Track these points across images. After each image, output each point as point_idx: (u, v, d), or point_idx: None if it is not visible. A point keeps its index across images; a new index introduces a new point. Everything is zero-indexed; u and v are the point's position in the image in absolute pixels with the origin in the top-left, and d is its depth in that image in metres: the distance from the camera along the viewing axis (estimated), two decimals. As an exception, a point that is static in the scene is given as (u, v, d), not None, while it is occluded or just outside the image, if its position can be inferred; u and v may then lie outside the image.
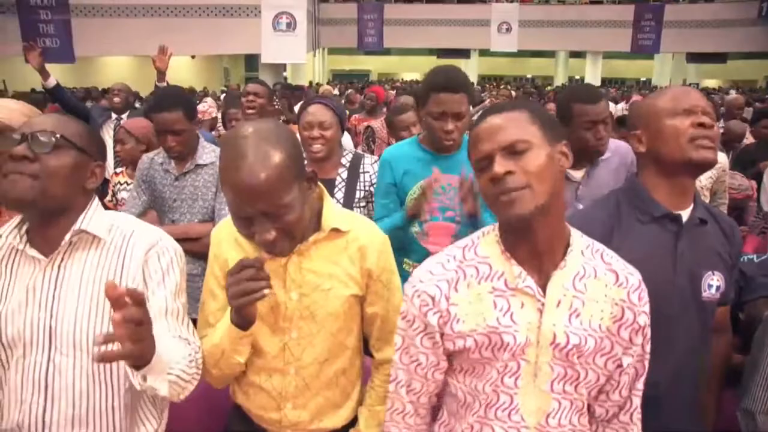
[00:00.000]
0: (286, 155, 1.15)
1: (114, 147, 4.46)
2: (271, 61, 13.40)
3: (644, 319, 1.18)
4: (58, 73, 4.65)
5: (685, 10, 19.43)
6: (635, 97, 8.91)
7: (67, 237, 1.23)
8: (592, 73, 21.98)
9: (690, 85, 16.85)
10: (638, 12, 18.28)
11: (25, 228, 1.26)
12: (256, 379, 1.39)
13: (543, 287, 1.12)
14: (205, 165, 2.42)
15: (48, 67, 4.48)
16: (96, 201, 1.31)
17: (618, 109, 9.72)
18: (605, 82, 24.16)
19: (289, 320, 1.34)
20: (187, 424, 1.63)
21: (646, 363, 1.22)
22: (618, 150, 2.29)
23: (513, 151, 1.07)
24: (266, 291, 1.16)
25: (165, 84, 4.27)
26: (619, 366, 1.18)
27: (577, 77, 26.64)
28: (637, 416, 1.24)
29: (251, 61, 21.57)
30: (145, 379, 1.10)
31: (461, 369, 1.19)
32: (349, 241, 1.35)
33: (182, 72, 17.51)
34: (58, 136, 1.19)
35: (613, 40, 19.70)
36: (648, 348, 1.21)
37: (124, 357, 0.99)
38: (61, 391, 1.21)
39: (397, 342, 1.24)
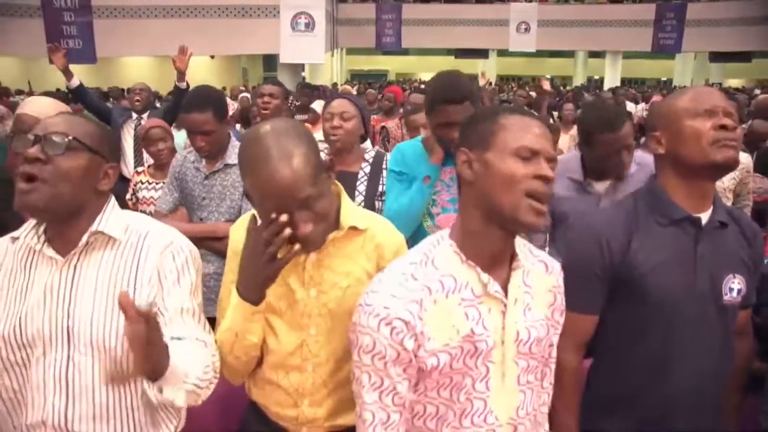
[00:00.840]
0: (306, 146, 1.19)
1: (135, 146, 4.54)
2: (290, 61, 13.46)
3: (563, 298, 1.28)
4: (80, 74, 4.72)
5: (707, 8, 19.11)
6: (656, 98, 8.78)
7: (84, 238, 1.23)
8: (612, 74, 21.75)
9: (713, 85, 16.60)
10: (660, 11, 18.03)
11: (42, 228, 1.27)
12: (273, 377, 1.40)
13: (503, 288, 1.15)
14: (234, 165, 2.42)
15: (71, 67, 4.55)
16: (113, 202, 1.32)
17: (638, 109, 9.61)
18: (625, 82, 23.87)
19: (307, 317, 1.35)
20: (203, 423, 1.65)
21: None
22: (644, 162, 2.25)
23: (551, 165, 1.10)
24: (296, 247, 1.20)
25: (185, 84, 4.32)
26: (551, 345, 1.27)
27: (596, 77, 26.40)
28: (549, 383, 1.33)
29: (269, 61, 21.68)
30: (161, 390, 1.11)
31: (435, 386, 1.16)
32: (367, 239, 1.37)
33: (201, 72, 17.66)
34: (70, 138, 1.19)
35: (634, 40, 19.46)
36: (562, 320, 1.29)
37: (134, 375, 1.02)
38: (81, 389, 1.22)
39: (363, 381, 1.15)
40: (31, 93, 11.18)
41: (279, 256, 1.20)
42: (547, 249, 2.50)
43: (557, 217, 2.31)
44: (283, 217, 1.17)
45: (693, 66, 23.53)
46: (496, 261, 1.16)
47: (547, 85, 6.52)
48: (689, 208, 1.42)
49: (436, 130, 2.06)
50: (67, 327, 1.22)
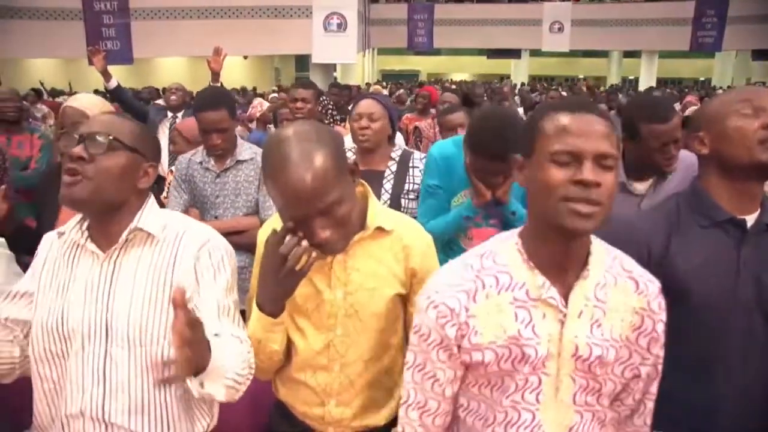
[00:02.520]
0: (328, 152, 1.18)
1: (169, 145, 4.62)
2: (322, 62, 13.53)
3: (662, 328, 1.16)
4: (116, 74, 4.83)
5: (750, 4, 18.50)
6: (689, 98, 8.57)
7: (124, 235, 1.27)
8: (648, 73, 21.31)
9: (755, 84, 16.13)
10: (699, 8, 17.52)
11: (86, 224, 1.32)
12: (300, 376, 1.40)
13: (565, 297, 1.08)
14: (245, 161, 2.51)
15: (108, 68, 4.66)
16: (152, 200, 1.36)
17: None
18: (661, 82, 23.38)
19: (334, 318, 1.35)
20: (231, 421, 1.66)
21: (660, 368, 1.19)
22: (686, 161, 2.11)
23: (602, 163, 1.01)
24: (313, 254, 1.19)
25: (219, 84, 4.37)
26: (637, 375, 1.15)
27: (631, 77, 25.93)
28: (649, 420, 1.23)
29: (302, 61, 21.83)
30: (202, 385, 1.13)
31: (476, 383, 1.14)
32: (394, 240, 1.36)
33: (234, 72, 17.88)
34: (111, 138, 1.25)
35: (671, 39, 18.99)
36: (662, 353, 1.18)
37: (182, 377, 1.07)
38: (118, 382, 1.25)
39: (409, 359, 1.17)
40: (71, 93, 11.47)
41: (297, 268, 1.20)
42: None
43: None
44: (289, 224, 1.18)
45: (733, 65, 22.92)
46: (562, 266, 1.09)
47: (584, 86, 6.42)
48: (734, 209, 1.38)
49: (475, 172, 1.99)
50: (106, 321, 1.25)
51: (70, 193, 1.22)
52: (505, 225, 2.08)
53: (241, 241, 2.21)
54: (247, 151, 2.53)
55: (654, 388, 1.21)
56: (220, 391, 1.16)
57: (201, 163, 2.55)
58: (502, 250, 1.14)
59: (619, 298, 1.12)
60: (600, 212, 1.01)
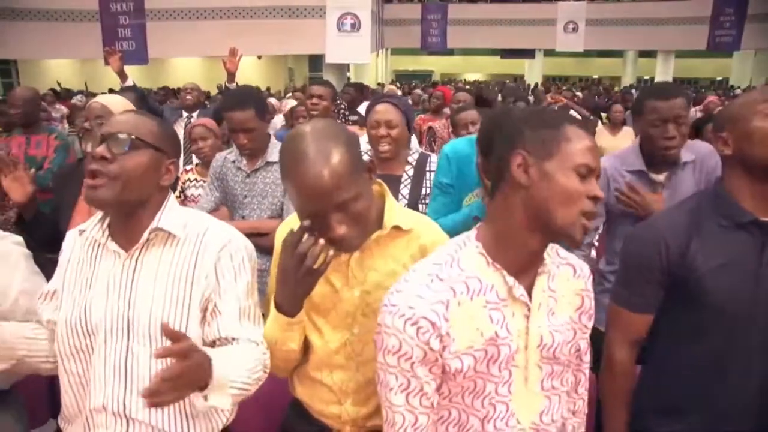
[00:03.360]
0: (345, 149, 1.18)
1: (184, 144, 4.64)
2: (336, 62, 13.56)
3: (591, 302, 1.25)
4: (131, 74, 4.86)
5: (769, 2, 18.27)
6: (711, 98, 8.47)
7: (145, 234, 1.29)
8: (663, 73, 21.09)
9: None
10: (717, 6, 17.27)
11: (107, 222, 1.33)
12: (317, 375, 1.41)
13: (528, 293, 1.14)
14: (275, 163, 2.46)
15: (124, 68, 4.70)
16: (172, 198, 1.37)
17: (692, 111, 9.30)
18: (677, 82, 23.13)
19: (351, 317, 1.35)
20: (246, 418, 1.66)
21: (588, 339, 1.29)
22: (701, 152, 2.15)
23: (598, 176, 1.10)
24: (330, 252, 1.20)
25: (235, 84, 4.39)
26: (578, 350, 1.24)
27: (647, 77, 25.72)
28: (584, 389, 1.32)
29: (315, 61, 21.89)
30: (206, 398, 1.14)
31: (449, 393, 1.15)
32: (411, 239, 1.36)
33: (248, 72, 17.97)
34: (133, 137, 1.26)
35: (688, 38, 18.76)
36: (590, 324, 1.27)
37: (179, 398, 1.09)
38: (138, 378, 1.27)
39: (391, 383, 1.12)
40: (87, 93, 11.59)
41: (314, 266, 1.20)
42: (593, 251, 2.42)
43: (618, 212, 2.17)
44: (306, 223, 1.19)
45: (752, 64, 22.63)
46: (525, 265, 1.14)
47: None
48: (757, 211, 1.36)
49: (486, 173, 1.99)
50: (127, 318, 1.27)
51: (94, 194, 1.24)
52: None
53: (263, 243, 2.21)
54: (278, 152, 2.50)
55: (588, 357, 1.29)
56: (225, 401, 1.17)
57: (234, 162, 2.55)
58: (464, 256, 1.14)
59: (564, 285, 1.20)
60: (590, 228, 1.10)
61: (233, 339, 1.29)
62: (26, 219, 2.18)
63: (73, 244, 1.38)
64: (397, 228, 1.33)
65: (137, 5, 9.57)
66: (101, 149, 1.24)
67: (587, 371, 1.31)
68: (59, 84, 13.38)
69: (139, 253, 1.30)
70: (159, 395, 1.03)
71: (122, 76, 4.59)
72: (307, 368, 1.42)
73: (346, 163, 1.17)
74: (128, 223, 1.30)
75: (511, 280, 1.12)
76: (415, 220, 1.39)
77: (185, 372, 1.05)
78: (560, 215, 1.06)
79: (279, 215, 2.46)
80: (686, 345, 1.44)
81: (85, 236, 1.34)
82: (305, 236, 1.20)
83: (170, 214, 1.33)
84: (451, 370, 1.10)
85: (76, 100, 10.64)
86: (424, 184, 2.40)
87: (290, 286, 1.24)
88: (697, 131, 3.73)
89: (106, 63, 4.70)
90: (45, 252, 1.84)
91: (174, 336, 1.05)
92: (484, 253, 1.13)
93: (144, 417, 1.27)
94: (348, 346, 1.37)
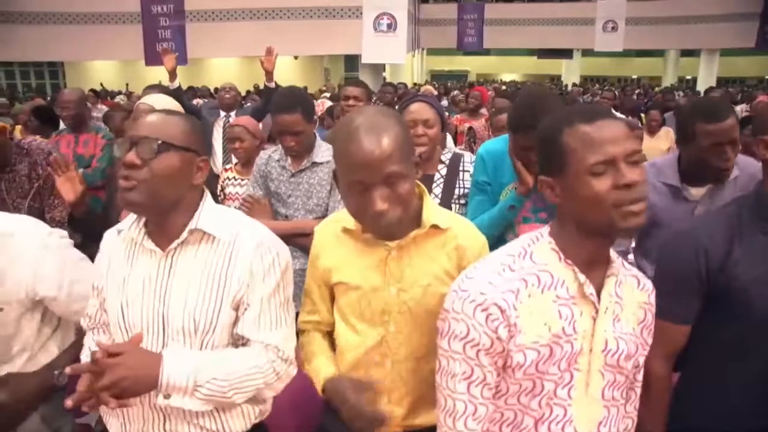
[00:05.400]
0: (400, 128, 1.25)
1: (224, 144, 4.72)
2: (372, 62, 13.58)
3: (653, 318, 1.23)
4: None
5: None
6: (762, 97, 8.15)
7: (183, 235, 1.31)
8: (707, 73, 20.49)
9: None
10: (768, 1, 16.57)
11: (143, 222, 1.36)
12: (353, 375, 1.41)
13: (597, 294, 1.12)
14: (321, 163, 2.48)
15: (160, 68, 4.82)
16: (208, 197, 1.38)
17: (738, 110, 9.03)
18: (721, 81, 22.48)
19: (387, 314, 1.36)
20: (281, 417, 1.68)
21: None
22: (746, 168, 2.03)
23: (631, 161, 1.05)
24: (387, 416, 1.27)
25: (273, 84, 4.45)
26: (636, 366, 1.21)
27: (689, 77, 25.07)
28: (633, 408, 1.27)
29: (351, 61, 21.98)
30: (167, 397, 1.23)
31: (506, 392, 1.14)
32: (448, 239, 1.37)
33: (285, 72, 18.14)
34: (160, 141, 1.25)
35: (734, 36, 18.16)
36: (650, 341, 1.24)
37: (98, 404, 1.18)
38: None
39: (454, 369, 1.13)
40: (129, 93, 11.88)
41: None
42: (630, 256, 2.38)
43: (648, 225, 2.14)
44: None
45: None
46: (592, 265, 1.13)
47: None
48: (801, 217, 1.31)
49: (516, 152, 1.99)
50: (163, 315, 1.30)
51: (126, 197, 1.26)
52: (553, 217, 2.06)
53: (306, 243, 2.22)
54: (325, 153, 2.50)
55: (640, 377, 1.26)
56: (193, 403, 1.25)
57: (279, 160, 2.56)
58: (538, 250, 1.15)
59: (629, 294, 1.18)
60: (645, 206, 1.06)
61: (246, 340, 1.33)
62: (77, 216, 2.26)
63: (111, 243, 1.41)
64: (435, 227, 1.34)
65: (177, 7, 9.78)
66: (131, 156, 1.24)
67: (639, 390, 1.27)
68: (102, 85, 13.75)
69: (175, 252, 1.32)
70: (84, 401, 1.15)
71: (172, 75, 4.70)
72: (342, 370, 1.44)
73: (399, 139, 1.22)
74: (164, 222, 1.32)
75: (582, 277, 1.11)
76: (452, 219, 1.40)
77: (109, 385, 1.15)
78: (593, 219, 1.07)
79: (323, 216, 2.45)
80: (726, 361, 1.40)
81: (122, 236, 1.37)
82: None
83: (207, 213, 1.34)
84: (512, 363, 1.10)
85: (119, 99, 10.92)
86: (457, 184, 2.38)
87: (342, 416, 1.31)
88: (743, 124, 3.64)
89: (147, 64, 4.84)
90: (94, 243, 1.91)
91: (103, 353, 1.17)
92: (557, 249, 1.13)
93: (179, 410, 1.30)
94: (384, 344, 1.38)
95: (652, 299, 1.23)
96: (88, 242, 1.79)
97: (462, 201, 2.37)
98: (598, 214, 1.05)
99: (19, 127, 5.48)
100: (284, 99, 2.47)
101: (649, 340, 1.22)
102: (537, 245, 1.15)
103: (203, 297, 1.30)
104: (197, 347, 1.30)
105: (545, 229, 1.18)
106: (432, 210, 1.37)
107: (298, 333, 1.50)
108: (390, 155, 1.19)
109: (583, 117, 1.08)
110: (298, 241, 2.31)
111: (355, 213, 1.30)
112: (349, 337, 1.41)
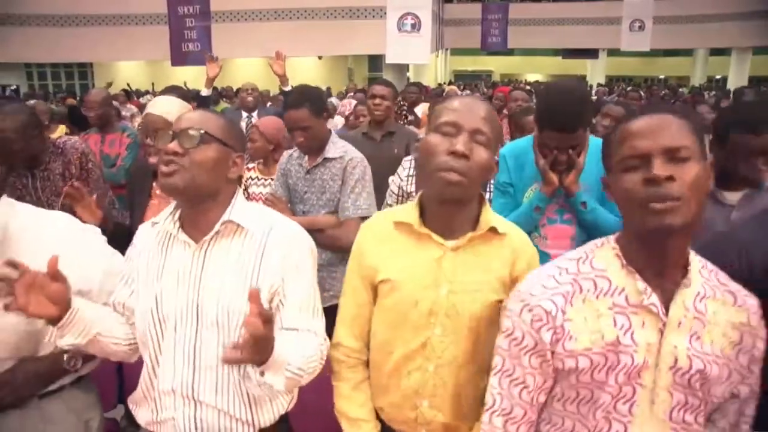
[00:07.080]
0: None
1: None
2: (395, 62, 13.56)
3: (762, 346, 1.10)
4: (195, 74, 4.99)
5: None
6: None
7: (217, 226, 1.35)
8: (738, 72, 20.05)
9: None
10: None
11: (178, 215, 1.40)
12: (392, 380, 1.40)
13: (665, 306, 1.05)
14: (333, 159, 2.55)
15: (186, 68, 4.81)
16: (240, 193, 1.43)
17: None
18: (753, 80, 21.97)
19: (434, 316, 1.34)
20: (309, 423, 1.69)
21: (757, 389, 1.12)
22: None
23: (674, 157, 0.99)
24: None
25: (288, 88, 4.49)
26: (735, 395, 1.10)
27: (718, 77, 24.58)
28: None
29: (375, 61, 22.02)
30: (263, 374, 1.20)
31: (562, 396, 1.11)
32: (504, 244, 1.36)
33: (309, 72, 18.24)
34: (203, 132, 1.33)
35: (766, 33, 17.78)
36: (756, 369, 1.12)
37: (243, 362, 1.14)
38: (206, 363, 1.34)
39: (497, 364, 1.15)
40: (155, 93, 12.05)
41: None
42: None
43: None
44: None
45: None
46: (660, 272, 1.06)
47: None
48: None
49: (542, 150, 1.99)
50: (197, 305, 1.34)
51: (167, 181, 1.30)
52: (579, 220, 2.03)
53: (319, 238, 2.25)
54: (337, 148, 2.57)
55: (750, 410, 1.13)
56: (279, 381, 1.24)
57: (297, 158, 2.66)
58: (600, 255, 1.11)
59: (720, 312, 1.08)
60: (681, 206, 0.97)
61: (293, 329, 1.35)
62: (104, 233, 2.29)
63: (145, 235, 1.45)
64: (492, 230, 1.34)
65: (203, 8, 9.86)
66: (173, 145, 1.31)
67: (746, 427, 1.14)
68: (128, 85, 13.99)
69: (209, 244, 1.36)
70: (236, 354, 1.10)
71: (210, 82, 4.69)
72: (379, 377, 1.43)
73: (492, 113, 1.30)
74: (199, 214, 1.36)
75: (642, 285, 1.05)
76: (509, 226, 1.40)
77: (267, 335, 1.12)
78: (631, 216, 1.04)
79: (335, 211, 2.53)
80: None
81: (157, 228, 1.42)
82: None
83: (240, 207, 1.39)
84: (564, 367, 1.08)
85: (146, 99, 11.09)
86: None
87: None
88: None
89: (173, 64, 4.86)
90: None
91: (257, 301, 1.09)
92: (619, 255, 1.09)
93: (211, 400, 1.34)
94: (428, 347, 1.36)
95: (754, 321, 1.09)
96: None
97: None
98: (629, 213, 1.03)
99: (62, 127, 5.61)
100: (292, 96, 2.57)
101: (754, 368, 1.10)
102: (600, 250, 1.13)
103: (236, 289, 1.33)
104: (231, 338, 1.32)
105: (614, 235, 1.15)
106: (491, 214, 1.37)
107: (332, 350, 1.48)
108: (486, 116, 1.29)
109: (638, 113, 1.06)
110: (313, 236, 2.33)
111: (436, 162, 1.26)
112: (392, 342, 1.39)
